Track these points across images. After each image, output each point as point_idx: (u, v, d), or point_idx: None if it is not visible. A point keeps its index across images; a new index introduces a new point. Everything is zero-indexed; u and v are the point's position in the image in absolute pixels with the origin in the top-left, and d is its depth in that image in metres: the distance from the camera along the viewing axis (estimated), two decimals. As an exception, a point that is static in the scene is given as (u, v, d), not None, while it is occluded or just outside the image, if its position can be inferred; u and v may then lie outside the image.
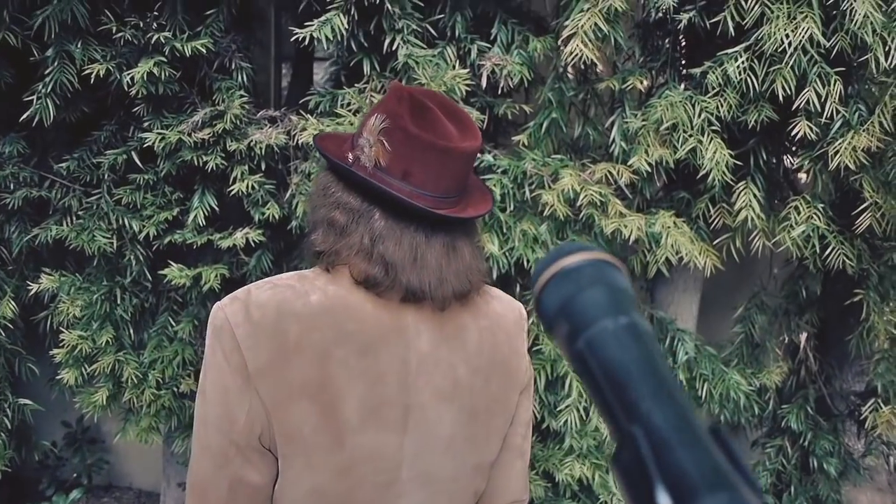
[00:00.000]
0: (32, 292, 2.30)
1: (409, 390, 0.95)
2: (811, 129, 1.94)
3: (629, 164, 2.14)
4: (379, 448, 0.94)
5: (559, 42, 2.01)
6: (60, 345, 2.28)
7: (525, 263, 2.24)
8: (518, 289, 2.35)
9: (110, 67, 1.95)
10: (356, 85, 2.07)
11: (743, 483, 0.29)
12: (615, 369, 0.35)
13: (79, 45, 1.97)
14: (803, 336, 2.72)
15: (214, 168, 2.11)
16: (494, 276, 2.14)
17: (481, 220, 1.10)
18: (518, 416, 1.08)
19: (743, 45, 1.94)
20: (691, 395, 2.52)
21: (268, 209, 2.19)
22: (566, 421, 2.35)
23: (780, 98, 1.90)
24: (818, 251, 2.14)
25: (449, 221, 0.95)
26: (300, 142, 2.14)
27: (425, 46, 2.00)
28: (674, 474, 0.29)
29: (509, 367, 1.04)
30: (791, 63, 1.86)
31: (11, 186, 2.23)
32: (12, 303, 2.40)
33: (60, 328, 2.32)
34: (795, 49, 1.83)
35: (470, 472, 1.03)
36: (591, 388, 0.36)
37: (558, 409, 2.36)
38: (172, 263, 2.26)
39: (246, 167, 2.14)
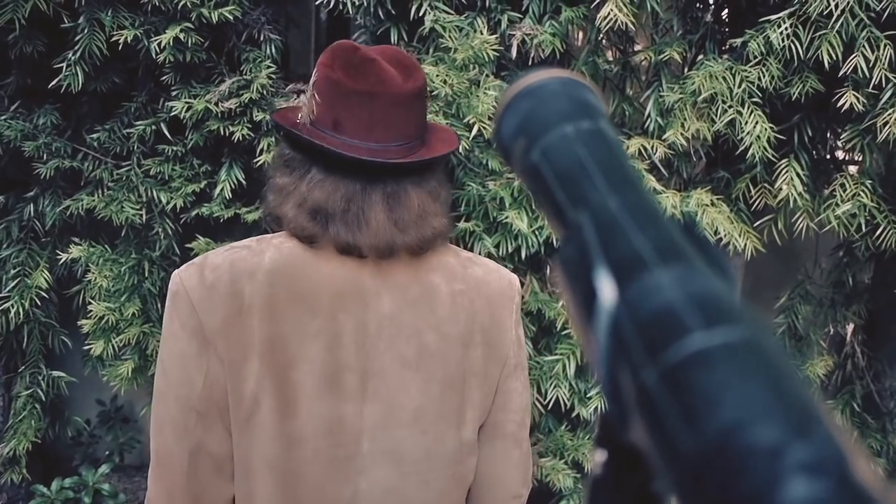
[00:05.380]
0: (62, 261, 2.32)
1: (368, 354, 0.90)
2: (858, 99, 1.83)
3: (664, 138, 2.06)
4: (336, 417, 0.89)
5: (592, 6, 1.94)
6: (88, 315, 2.30)
7: (555, 242, 2.17)
8: (549, 270, 2.28)
9: (138, 34, 1.95)
10: (383, 54, 2.04)
11: (712, 266, 0.23)
12: (570, 168, 0.29)
13: (108, 13, 1.98)
14: (850, 328, 2.58)
15: (241, 139, 2.10)
16: (523, 255, 2.08)
17: (446, 168, 1.05)
18: (511, 400, 1.01)
19: (787, 11, 1.85)
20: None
21: (294, 182, 2.17)
22: (596, 408, 2.27)
23: (826, 65, 1.79)
24: (866, 232, 2.02)
25: (385, 169, 0.91)
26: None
27: (453, 13, 1.95)
28: (620, 252, 0.23)
29: (490, 338, 0.97)
30: (837, 27, 1.76)
31: (45, 157, 2.26)
32: (46, 272, 2.42)
33: (91, 301, 2.34)
34: (843, 12, 1.73)
35: (449, 453, 0.94)
36: (543, 197, 0.30)
37: (588, 395, 2.28)
38: (200, 237, 2.26)
39: (272, 138, 2.12)
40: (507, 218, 1.99)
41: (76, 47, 2.00)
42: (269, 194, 0.95)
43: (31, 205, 2.44)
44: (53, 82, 2.04)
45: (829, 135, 2.22)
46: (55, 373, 2.67)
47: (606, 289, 0.23)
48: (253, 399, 0.87)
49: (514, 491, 1.04)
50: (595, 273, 0.23)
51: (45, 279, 2.41)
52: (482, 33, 1.96)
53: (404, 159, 0.92)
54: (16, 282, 2.41)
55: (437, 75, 1.89)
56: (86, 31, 1.99)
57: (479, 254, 1.96)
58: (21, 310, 2.37)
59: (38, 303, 2.46)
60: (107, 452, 3.23)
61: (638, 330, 0.21)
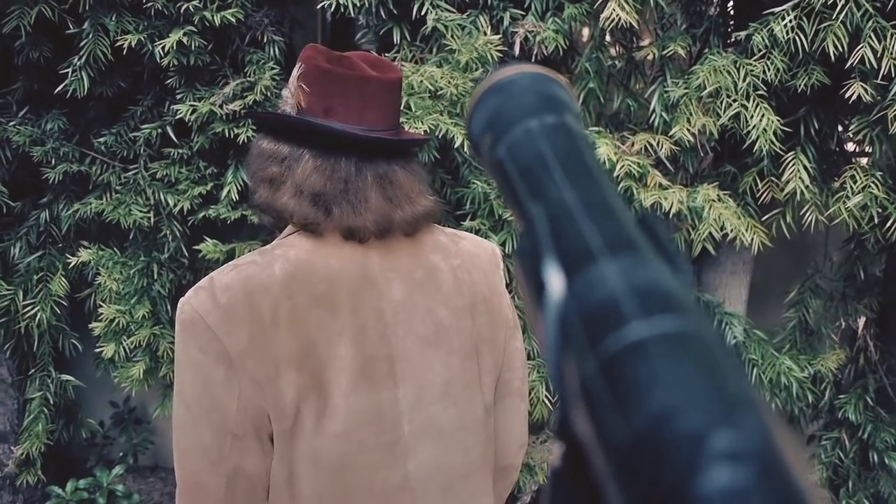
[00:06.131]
0: (72, 265, 2.34)
1: (390, 341, 0.94)
2: (866, 90, 1.81)
3: (670, 134, 2.05)
4: (374, 406, 0.92)
5: (595, 5, 1.93)
6: (99, 318, 2.32)
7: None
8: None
9: (142, 38, 1.97)
10: (386, 54, 2.04)
11: (666, 260, 0.23)
12: (531, 163, 0.29)
13: (113, 18, 1.99)
14: (861, 321, 2.56)
15: (246, 140, 2.11)
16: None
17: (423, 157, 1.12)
18: (515, 358, 1.08)
19: (791, 2, 1.83)
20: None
21: (299, 183, 2.17)
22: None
23: (832, 56, 1.78)
24: (877, 223, 2.00)
25: (377, 145, 0.95)
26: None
27: (455, 11, 1.95)
28: (570, 244, 0.23)
29: (491, 305, 1.04)
30: (843, 18, 1.74)
31: (53, 162, 2.28)
32: (63, 280, 2.45)
33: (101, 303, 2.36)
34: (847, 2, 1.71)
35: (479, 418, 1.01)
36: (508, 192, 0.30)
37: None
38: (207, 239, 2.27)
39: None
40: (512, 215, 1.99)
41: (81, 52, 2.02)
42: (259, 187, 0.96)
43: (46, 210, 2.46)
44: (60, 87, 2.06)
45: (837, 127, 2.20)
46: (64, 376, 2.69)
47: (555, 281, 0.23)
48: (294, 408, 0.89)
49: (522, 440, 1.12)
50: (544, 265, 0.23)
51: (62, 286, 2.44)
52: (485, 32, 1.95)
53: (390, 137, 0.97)
54: (39, 287, 2.44)
55: (442, 76, 1.89)
56: (91, 36, 2.01)
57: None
58: (45, 317, 2.41)
59: (58, 311, 2.48)
60: (121, 454, 3.25)
61: (583, 322, 0.21)
